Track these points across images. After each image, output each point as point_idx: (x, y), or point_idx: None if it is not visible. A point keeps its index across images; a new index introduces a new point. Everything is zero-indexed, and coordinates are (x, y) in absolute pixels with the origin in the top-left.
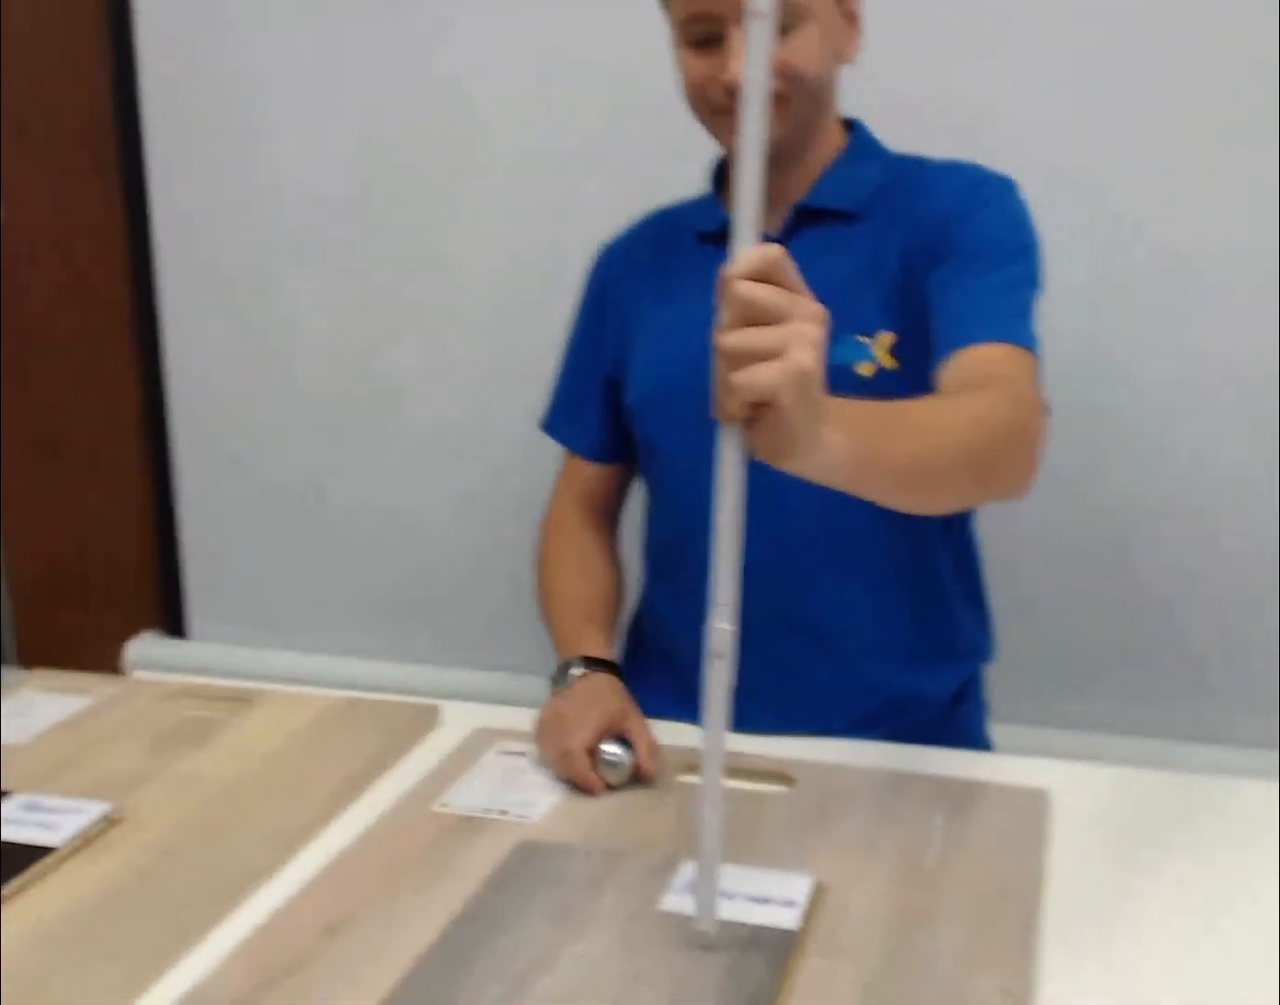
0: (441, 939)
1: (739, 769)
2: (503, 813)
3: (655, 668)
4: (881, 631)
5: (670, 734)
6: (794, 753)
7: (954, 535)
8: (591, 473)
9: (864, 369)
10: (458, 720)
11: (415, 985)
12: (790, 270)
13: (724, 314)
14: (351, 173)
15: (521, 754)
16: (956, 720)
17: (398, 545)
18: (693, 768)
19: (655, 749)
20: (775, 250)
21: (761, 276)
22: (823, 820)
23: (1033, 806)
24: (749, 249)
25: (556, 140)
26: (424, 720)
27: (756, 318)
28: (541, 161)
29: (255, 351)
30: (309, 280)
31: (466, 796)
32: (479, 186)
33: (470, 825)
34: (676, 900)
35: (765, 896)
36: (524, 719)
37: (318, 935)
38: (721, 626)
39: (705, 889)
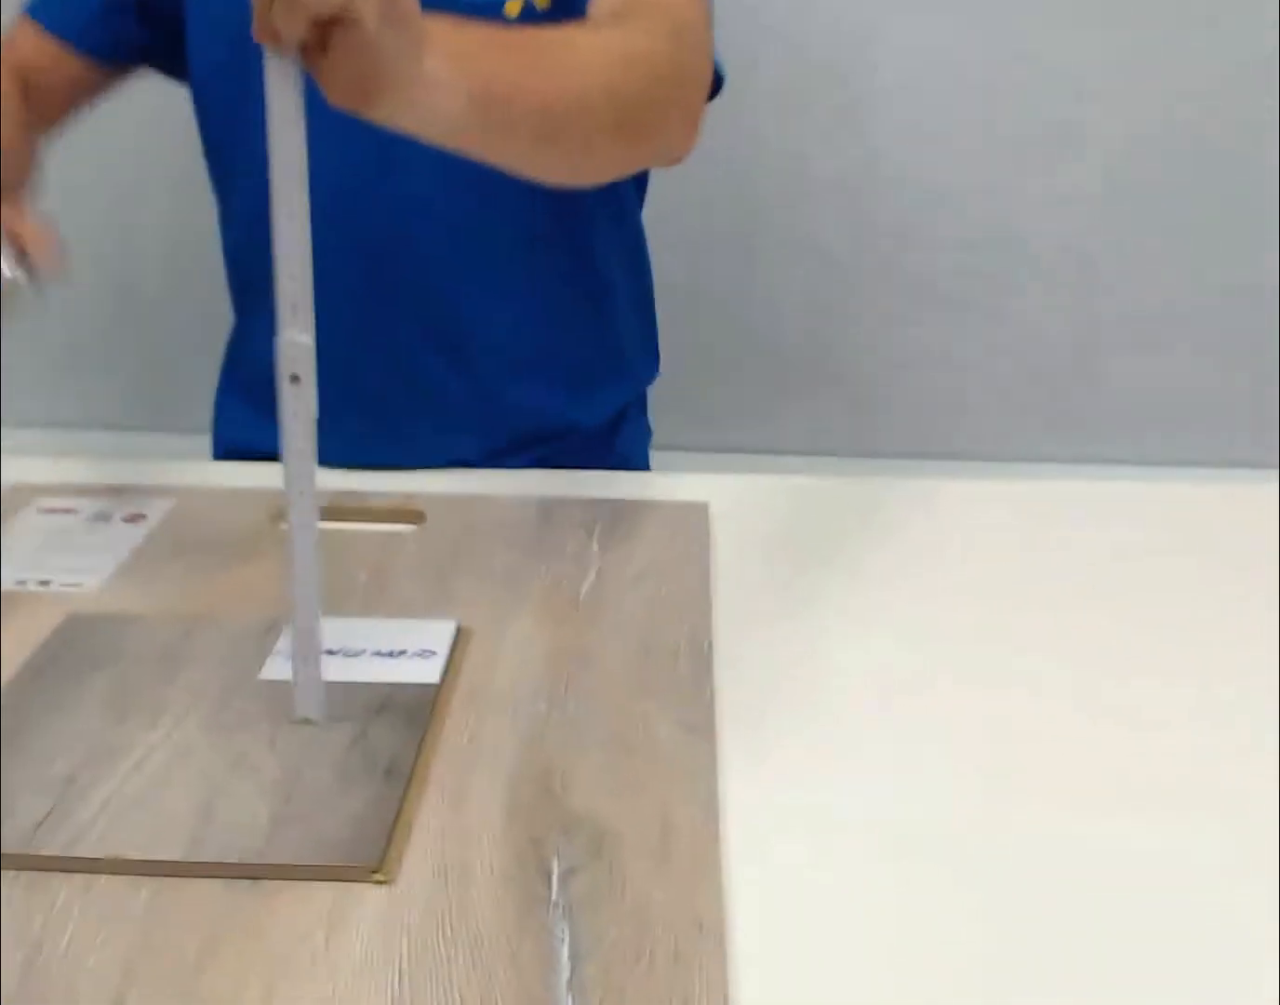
0: None
1: (360, 509)
2: (43, 584)
3: (253, 401)
4: (530, 345)
5: (272, 475)
6: (426, 486)
7: (622, 229)
8: (50, 54)
9: (510, 7)
10: None
11: None
12: None
13: None
14: None
15: (71, 512)
16: (614, 447)
17: None
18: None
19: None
20: None
21: None
22: (462, 559)
23: (694, 521)
24: None
25: None
26: None
27: None
28: None
29: None
30: None
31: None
32: None
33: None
34: (283, 666)
35: (398, 649)
36: (74, 470)
37: None
38: (295, 338)
39: (304, 666)
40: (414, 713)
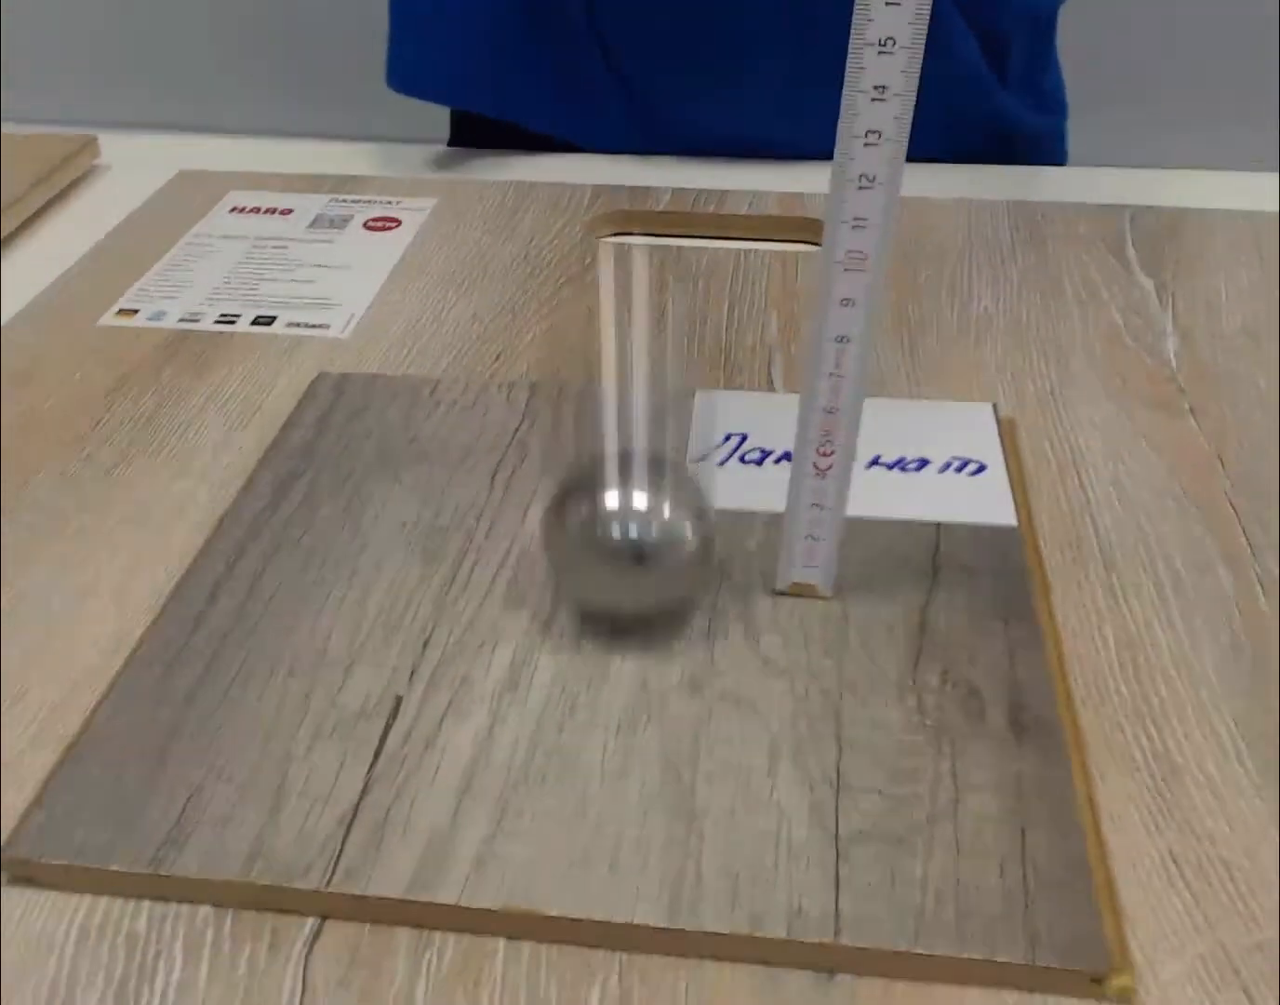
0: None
1: (756, 220)
2: (260, 323)
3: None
4: None
5: (581, 167)
6: (793, 183)
7: None
8: None
9: None
10: (127, 157)
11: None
12: None
13: None
14: None
15: (283, 213)
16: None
17: None
18: None
19: None
20: None
21: None
22: (925, 293)
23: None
24: None
25: None
26: (82, 155)
27: None
28: None
29: None
30: None
31: (194, 289)
32: None
33: (195, 344)
34: (741, 483)
35: (914, 458)
36: (256, 155)
37: None
38: None
39: (815, 516)
40: (1002, 593)
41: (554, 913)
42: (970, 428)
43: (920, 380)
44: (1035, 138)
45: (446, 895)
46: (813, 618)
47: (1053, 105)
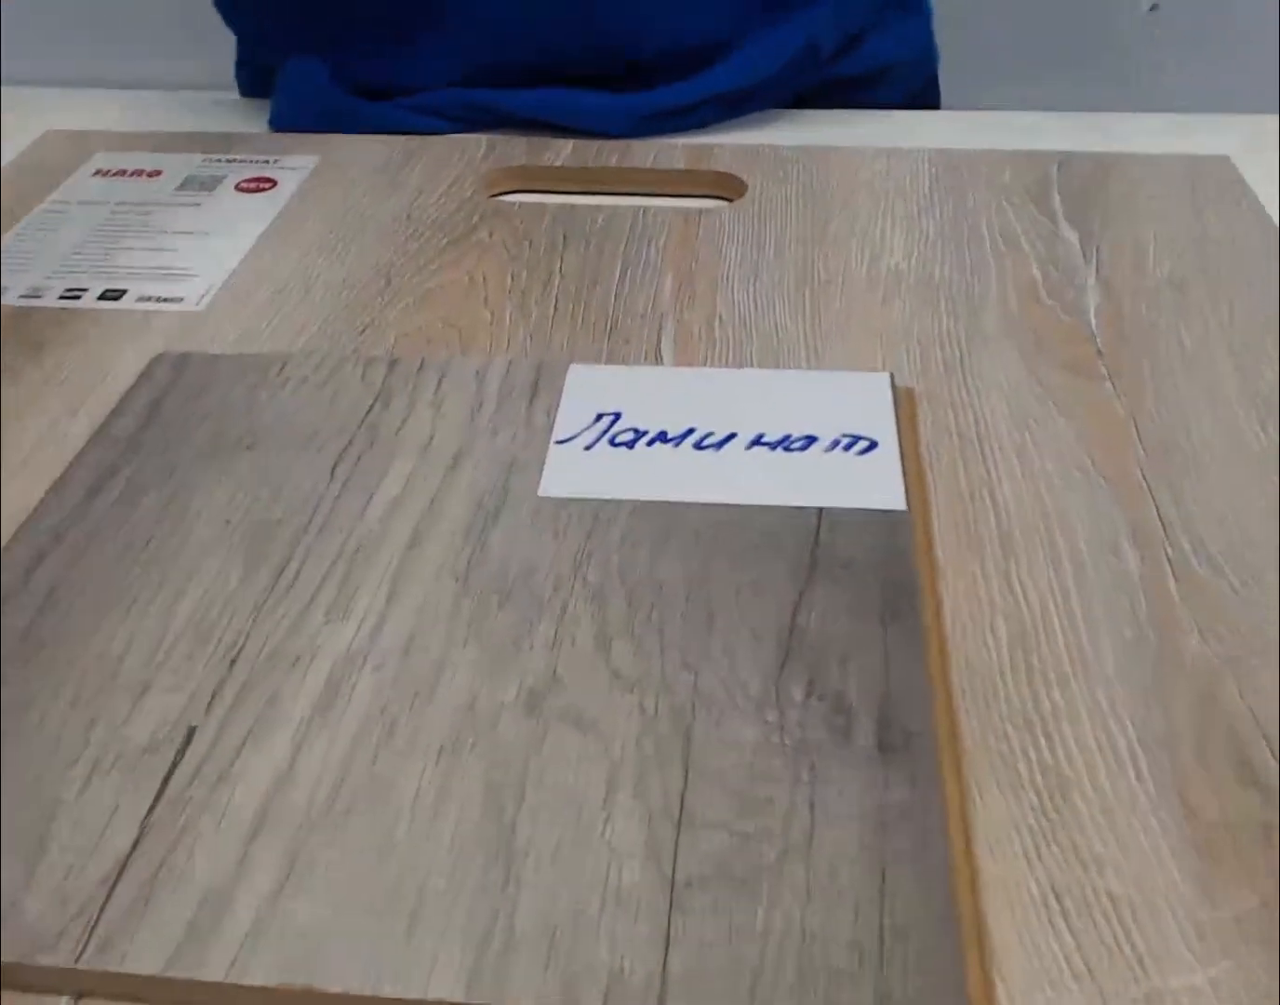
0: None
1: (655, 174)
2: (110, 296)
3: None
4: None
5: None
6: (718, 138)
7: None
8: None
9: None
10: None
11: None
12: None
13: None
14: None
15: (150, 175)
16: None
17: None
18: None
19: None
20: None
21: None
22: (828, 252)
23: (1210, 177)
24: None
25: None
26: None
27: None
28: None
29: None
30: None
31: (40, 262)
32: None
33: (34, 324)
34: (573, 465)
35: (801, 434)
36: (149, 115)
37: None
38: None
39: None
40: (885, 588)
41: (335, 990)
42: (864, 401)
43: (820, 347)
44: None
45: (211, 971)
46: (673, 622)
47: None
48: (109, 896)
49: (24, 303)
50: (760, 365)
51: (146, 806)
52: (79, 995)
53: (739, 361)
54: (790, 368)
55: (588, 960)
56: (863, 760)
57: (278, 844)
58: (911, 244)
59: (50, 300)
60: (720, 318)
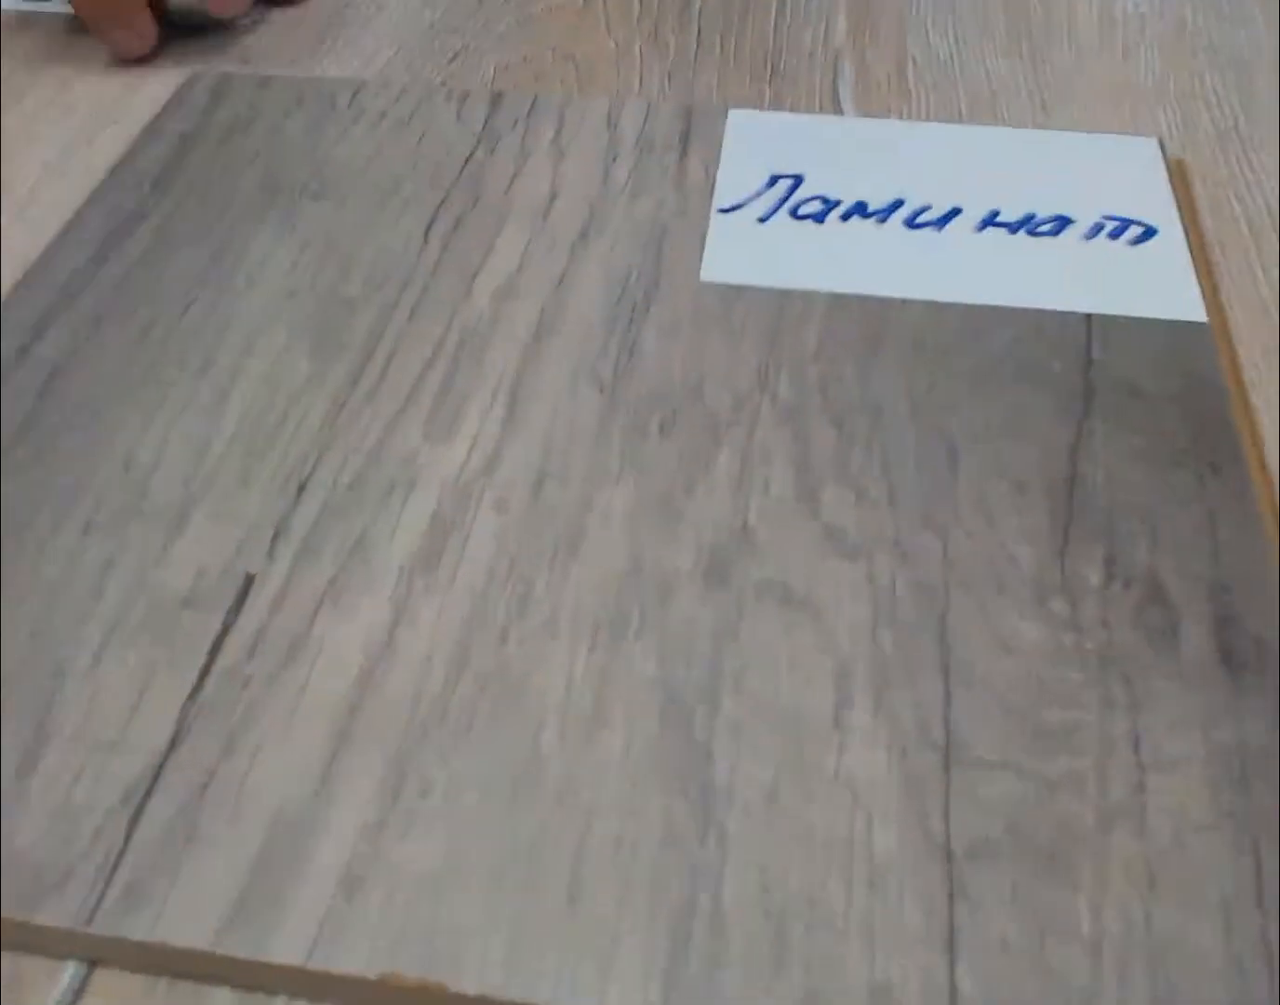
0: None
1: None
2: None
3: None
4: None
5: None
6: None
7: None
8: None
9: None
10: None
11: None
12: None
13: None
14: None
15: None
16: None
17: None
18: None
19: None
20: None
21: None
22: None
23: None
24: None
25: None
26: None
27: None
28: None
29: None
30: None
31: None
32: None
33: (46, 25)
34: (732, 236)
35: (1049, 215)
36: None
37: None
38: None
39: None
40: (1191, 427)
41: (466, 991)
42: (1129, 173)
43: (1047, 103)
44: None
45: (282, 948)
46: (903, 461)
47: None
48: (135, 820)
49: (29, 6)
50: (972, 122)
51: (189, 687)
52: (92, 963)
53: (944, 116)
54: (1015, 127)
55: (829, 971)
56: (1200, 676)
57: (374, 758)
58: None
59: (58, 4)
60: (914, 60)
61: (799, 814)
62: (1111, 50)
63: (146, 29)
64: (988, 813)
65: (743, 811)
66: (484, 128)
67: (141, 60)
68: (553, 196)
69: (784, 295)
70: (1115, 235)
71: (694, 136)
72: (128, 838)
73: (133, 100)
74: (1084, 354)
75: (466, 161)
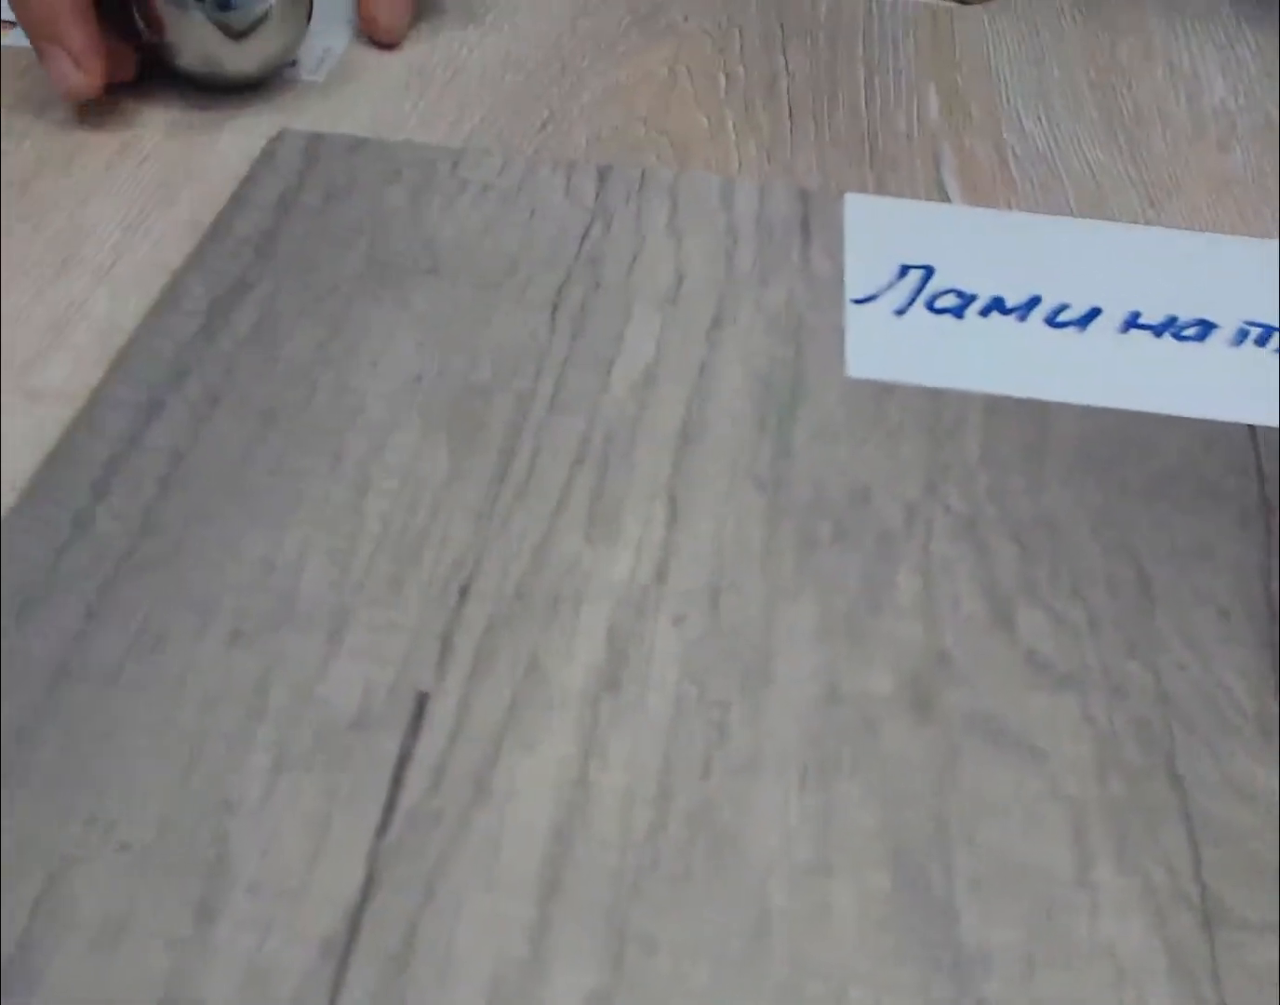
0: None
1: None
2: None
3: None
4: None
5: None
6: None
7: None
8: None
9: None
10: None
11: None
12: None
13: None
14: None
15: None
16: None
17: None
18: None
19: None
20: None
21: None
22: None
23: None
24: None
25: None
26: None
27: None
28: None
29: None
30: None
31: None
32: None
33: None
34: (877, 330)
35: (1174, 309)
36: None
37: None
38: None
39: None
40: None
41: None
42: (1261, 276)
43: (1155, 198)
44: None
45: None
46: (1092, 582)
47: None
48: (338, 983)
49: None
50: (1081, 214)
51: (372, 829)
52: None
53: (1052, 207)
54: (1126, 221)
55: None
56: None
57: (586, 912)
58: (1230, 77)
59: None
60: (1013, 150)
61: (1063, 986)
62: (1207, 142)
63: (92, 63)
64: (1261, 982)
65: (1001, 982)
66: (595, 202)
67: (110, 102)
68: (678, 280)
69: (937, 395)
70: (1261, 342)
71: (813, 222)
72: (332, 1002)
73: (208, 157)
74: (1255, 468)
75: (583, 240)
